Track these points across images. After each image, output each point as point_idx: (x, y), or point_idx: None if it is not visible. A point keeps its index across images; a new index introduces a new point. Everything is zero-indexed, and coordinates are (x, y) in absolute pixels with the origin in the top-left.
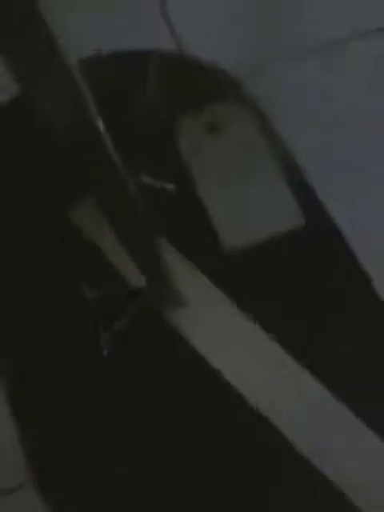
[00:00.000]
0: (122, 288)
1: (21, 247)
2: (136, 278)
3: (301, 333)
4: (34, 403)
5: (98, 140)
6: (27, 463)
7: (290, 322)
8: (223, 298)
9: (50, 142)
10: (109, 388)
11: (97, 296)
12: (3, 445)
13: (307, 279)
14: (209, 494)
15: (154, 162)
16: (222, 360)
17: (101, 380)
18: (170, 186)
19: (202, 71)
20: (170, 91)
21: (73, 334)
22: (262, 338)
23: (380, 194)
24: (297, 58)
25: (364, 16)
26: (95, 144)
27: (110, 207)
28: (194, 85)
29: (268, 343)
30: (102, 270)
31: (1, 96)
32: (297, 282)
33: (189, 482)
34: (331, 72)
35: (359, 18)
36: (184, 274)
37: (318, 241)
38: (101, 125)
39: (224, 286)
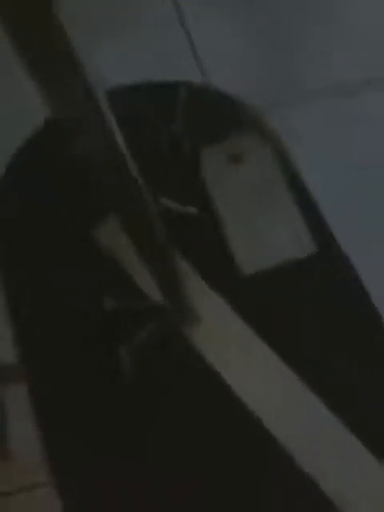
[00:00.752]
0: (142, 303)
1: (45, 259)
2: (156, 294)
3: (308, 354)
4: (54, 409)
5: (122, 164)
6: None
7: (297, 343)
8: (235, 317)
9: (77, 165)
10: (124, 401)
11: (116, 307)
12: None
13: (316, 304)
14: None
15: (178, 187)
16: (232, 375)
17: (116, 393)
18: (192, 210)
19: (226, 103)
20: (195, 121)
21: (91, 348)
22: (270, 356)
23: None
24: (308, 97)
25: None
26: (120, 167)
27: (133, 227)
28: (218, 115)
29: (276, 362)
30: (123, 286)
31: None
32: (306, 305)
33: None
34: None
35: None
36: (199, 293)
37: (328, 268)
38: (125, 151)
39: (238, 307)
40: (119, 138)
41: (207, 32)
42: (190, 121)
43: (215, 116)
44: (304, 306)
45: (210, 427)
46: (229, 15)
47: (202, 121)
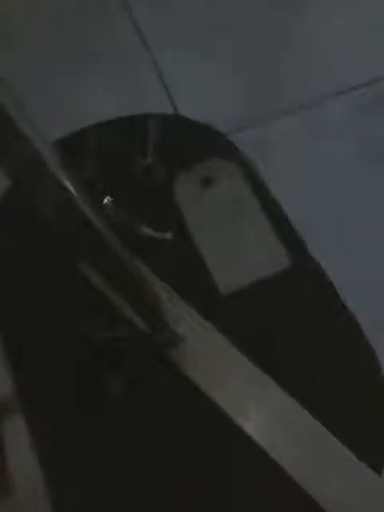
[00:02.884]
0: (128, 330)
1: (36, 294)
2: (141, 322)
3: (288, 365)
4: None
5: (84, 219)
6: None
7: (277, 355)
8: (217, 335)
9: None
10: (114, 422)
11: (105, 337)
12: None
13: (294, 316)
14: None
15: (154, 215)
16: (217, 391)
17: (106, 414)
18: (168, 236)
19: (195, 130)
20: (167, 149)
21: (83, 374)
22: (252, 370)
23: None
24: (280, 116)
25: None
26: (81, 222)
27: (106, 272)
28: (188, 143)
29: (258, 375)
30: (110, 315)
31: None
32: (284, 319)
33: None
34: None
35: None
36: (181, 314)
37: (303, 281)
38: (87, 207)
39: (218, 324)
40: (74, 193)
41: (175, 63)
42: (162, 150)
43: (186, 143)
44: (282, 320)
45: (200, 447)
46: (193, 46)
47: (173, 149)
